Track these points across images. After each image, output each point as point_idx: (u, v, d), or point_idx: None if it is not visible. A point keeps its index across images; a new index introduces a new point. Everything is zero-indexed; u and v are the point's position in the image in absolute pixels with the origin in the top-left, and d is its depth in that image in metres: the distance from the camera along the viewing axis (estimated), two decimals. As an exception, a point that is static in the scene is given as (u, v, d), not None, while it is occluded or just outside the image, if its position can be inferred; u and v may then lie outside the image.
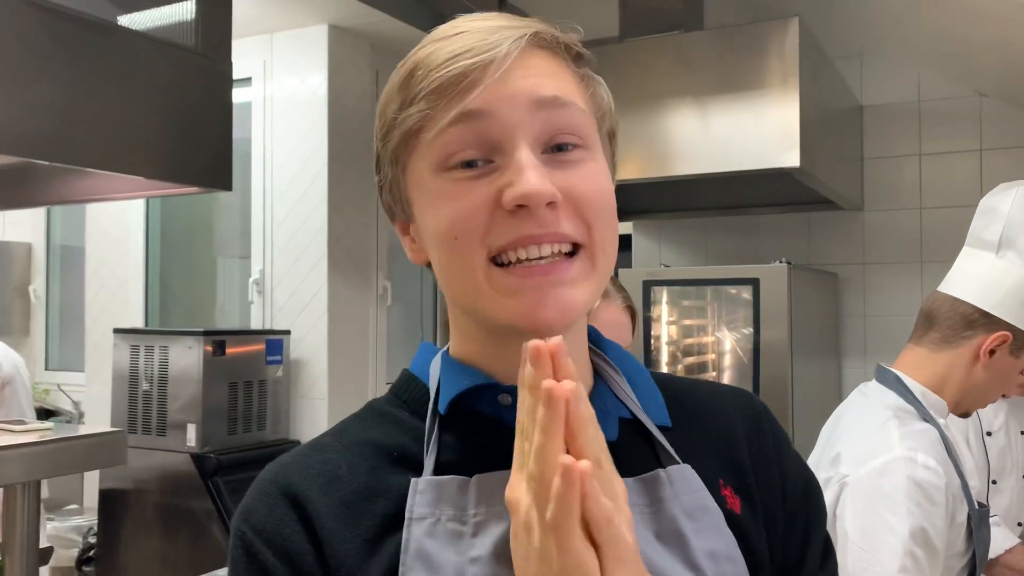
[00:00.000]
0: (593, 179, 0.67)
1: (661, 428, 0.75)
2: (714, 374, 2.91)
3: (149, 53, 2.09)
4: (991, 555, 1.95)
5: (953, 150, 3.20)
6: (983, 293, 1.48)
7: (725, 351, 2.90)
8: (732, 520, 0.71)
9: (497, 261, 0.65)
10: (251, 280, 3.29)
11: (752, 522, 0.73)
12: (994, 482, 2.22)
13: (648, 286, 2.99)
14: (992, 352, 1.48)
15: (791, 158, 2.45)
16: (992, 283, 1.48)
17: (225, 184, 2.33)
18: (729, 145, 2.56)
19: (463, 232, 0.65)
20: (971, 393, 1.52)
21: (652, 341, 3.05)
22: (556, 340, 0.58)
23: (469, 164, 0.66)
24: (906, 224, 3.27)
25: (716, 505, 0.71)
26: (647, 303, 3.00)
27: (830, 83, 2.97)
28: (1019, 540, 2.03)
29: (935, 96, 3.23)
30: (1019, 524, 2.33)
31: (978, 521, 1.41)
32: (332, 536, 0.66)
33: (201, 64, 2.23)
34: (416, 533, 0.66)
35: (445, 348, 0.78)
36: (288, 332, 3.16)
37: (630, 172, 2.72)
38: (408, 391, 0.77)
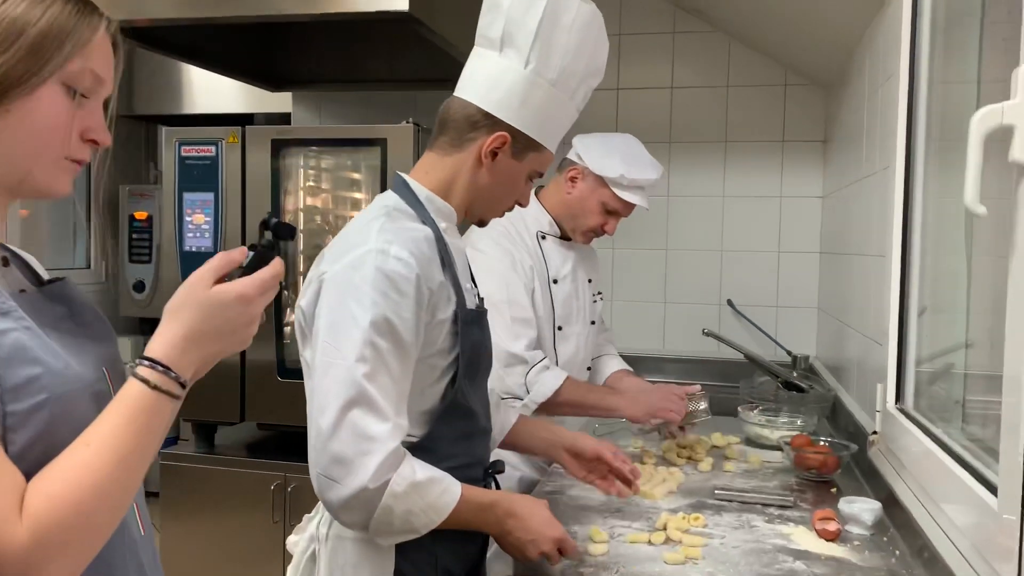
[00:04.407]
0: None
1: None
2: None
3: None
4: (543, 398, 2.01)
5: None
6: (485, 93, 1.42)
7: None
8: None
9: None
10: None
11: None
12: (560, 328, 2.26)
13: (278, 145, 2.84)
14: (495, 155, 1.43)
15: (400, 1, 2.33)
16: (494, 83, 1.41)
17: None
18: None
19: None
20: (480, 198, 1.47)
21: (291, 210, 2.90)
22: None
23: None
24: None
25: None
26: (279, 165, 2.86)
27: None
28: (567, 377, 2.07)
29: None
30: (588, 369, 2.42)
31: (467, 320, 1.37)
32: None
33: None
34: None
35: None
36: None
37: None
38: None
